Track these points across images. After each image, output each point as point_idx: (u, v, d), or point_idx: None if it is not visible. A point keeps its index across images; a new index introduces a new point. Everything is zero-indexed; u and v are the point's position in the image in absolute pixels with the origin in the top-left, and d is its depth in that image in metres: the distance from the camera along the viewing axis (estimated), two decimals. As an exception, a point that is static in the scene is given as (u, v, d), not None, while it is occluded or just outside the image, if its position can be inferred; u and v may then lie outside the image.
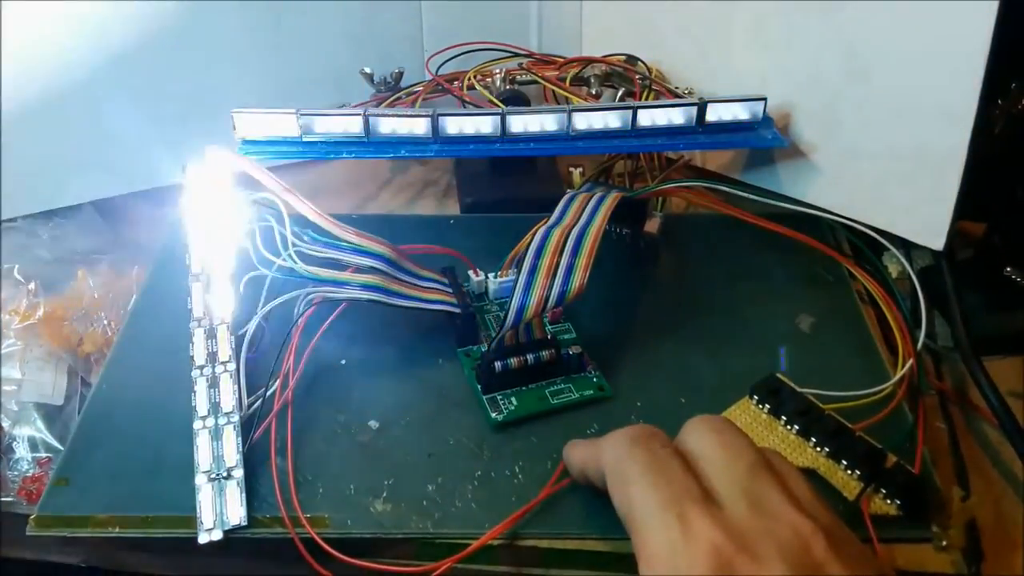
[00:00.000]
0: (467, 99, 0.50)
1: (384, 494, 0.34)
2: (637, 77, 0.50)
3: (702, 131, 0.45)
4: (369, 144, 0.45)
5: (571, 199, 0.43)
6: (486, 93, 0.49)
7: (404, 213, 0.52)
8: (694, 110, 0.45)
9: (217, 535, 0.32)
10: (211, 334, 0.37)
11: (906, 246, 0.44)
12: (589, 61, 0.52)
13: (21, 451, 0.39)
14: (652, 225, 0.47)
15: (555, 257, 0.38)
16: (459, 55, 0.52)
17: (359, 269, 0.38)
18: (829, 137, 0.46)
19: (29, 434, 0.40)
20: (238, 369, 0.36)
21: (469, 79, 0.51)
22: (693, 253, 0.48)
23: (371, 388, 0.39)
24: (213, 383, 0.36)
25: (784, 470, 0.27)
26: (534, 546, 0.33)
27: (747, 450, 0.27)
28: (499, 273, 0.43)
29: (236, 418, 0.35)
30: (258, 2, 0.50)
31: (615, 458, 0.28)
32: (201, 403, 0.35)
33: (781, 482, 0.26)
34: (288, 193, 0.40)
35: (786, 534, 0.24)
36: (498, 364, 0.37)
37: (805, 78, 0.46)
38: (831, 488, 0.34)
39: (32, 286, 0.45)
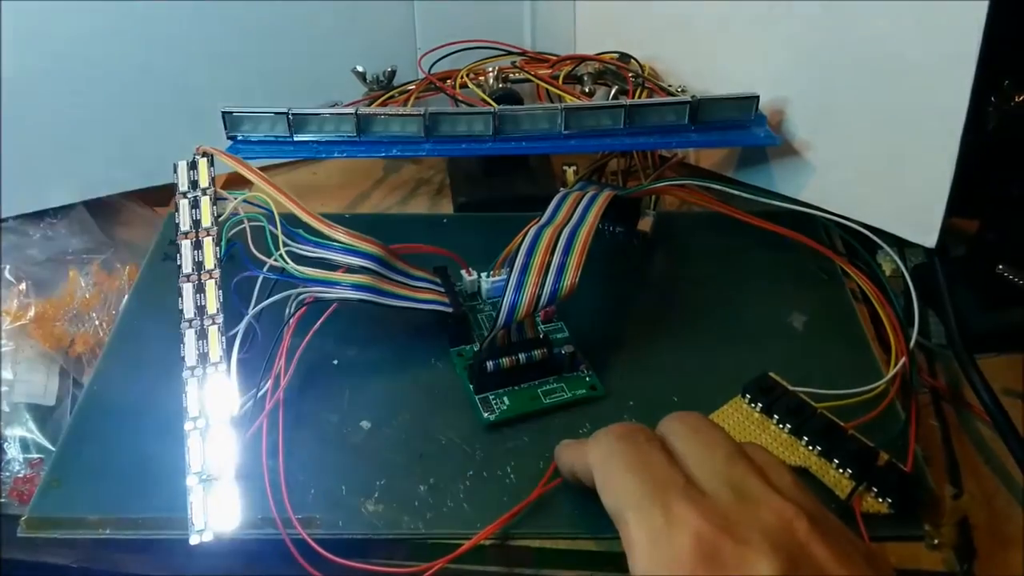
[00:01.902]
0: (460, 97, 0.50)
1: (376, 494, 0.34)
2: (630, 75, 0.50)
3: (695, 129, 0.45)
4: (361, 143, 0.45)
5: (564, 197, 0.43)
6: (479, 91, 0.49)
7: (397, 212, 0.52)
8: (687, 108, 0.45)
9: (208, 536, 0.32)
10: (202, 335, 0.37)
11: (899, 244, 0.44)
12: (582, 59, 0.52)
13: (12, 452, 0.39)
14: (645, 223, 0.47)
15: (547, 256, 0.38)
16: (452, 53, 0.52)
17: (351, 269, 0.38)
18: (822, 135, 0.46)
19: (20, 435, 0.40)
20: (229, 370, 0.36)
21: (462, 77, 0.50)
22: (686, 251, 0.48)
23: (363, 388, 0.39)
24: (204, 384, 0.36)
25: (762, 459, 0.28)
26: (526, 546, 0.33)
27: (723, 441, 0.28)
28: (491, 272, 0.43)
29: (227, 419, 0.35)
30: (249, 1, 0.49)
31: (601, 455, 0.29)
32: (192, 404, 0.35)
33: (760, 470, 0.27)
34: (279, 192, 0.40)
35: (769, 517, 0.25)
36: (490, 364, 0.37)
37: (797, 76, 0.46)
38: (823, 487, 0.34)
39: (23, 286, 0.45)
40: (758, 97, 0.45)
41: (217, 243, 0.40)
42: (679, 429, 0.29)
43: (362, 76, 0.51)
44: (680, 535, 0.24)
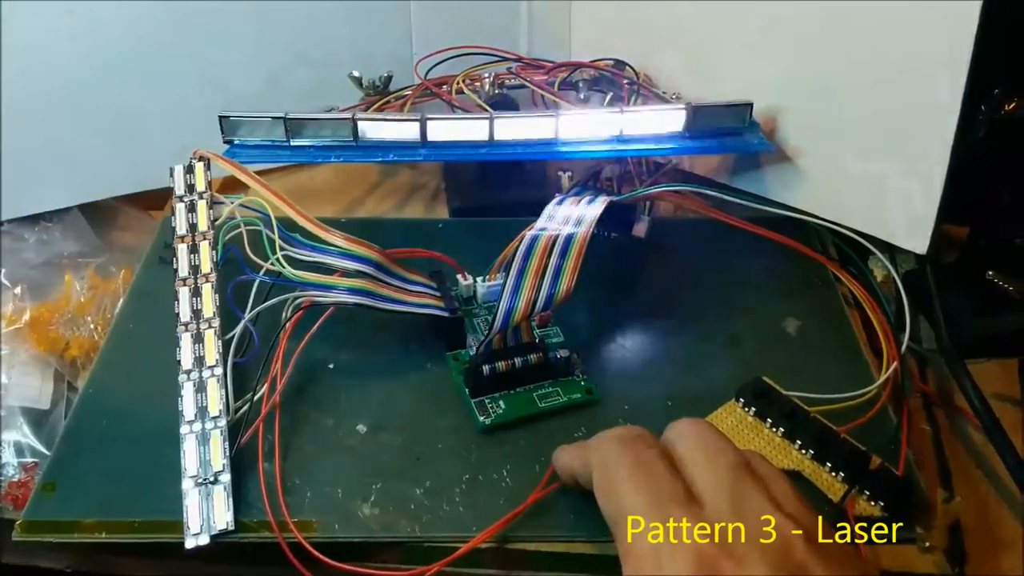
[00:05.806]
0: (456, 103, 0.50)
1: (372, 498, 0.34)
2: (625, 82, 0.50)
3: (689, 136, 0.46)
4: (357, 148, 0.45)
5: (559, 203, 0.43)
6: (475, 97, 0.49)
7: (392, 217, 0.52)
8: (681, 115, 0.45)
9: (204, 540, 0.32)
10: (198, 338, 0.37)
11: (891, 250, 0.44)
12: (577, 66, 0.52)
13: (7, 456, 0.39)
14: (640, 229, 0.47)
15: (543, 260, 0.38)
16: (448, 59, 0.52)
17: (347, 273, 0.38)
18: (815, 142, 0.46)
19: (15, 439, 0.40)
20: (225, 373, 0.36)
21: (458, 83, 0.51)
22: (680, 257, 0.48)
23: (359, 392, 0.39)
24: (200, 387, 0.36)
25: (765, 471, 0.28)
26: (522, 549, 0.33)
27: (728, 452, 0.28)
28: (487, 277, 0.43)
29: (223, 422, 0.35)
30: (245, 6, 0.50)
31: (602, 459, 0.29)
32: (188, 407, 0.35)
33: (762, 483, 0.27)
34: (276, 197, 0.40)
35: (768, 535, 0.25)
36: (486, 368, 0.37)
37: (790, 83, 0.46)
38: (816, 490, 0.34)
39: (18, 290, 0.45)
40: (752, 104, 0.45)
41: (213, 247, 0.40)
42: (685, 436, 0.28)
43: (358, 81, 0.51)
44: (679, 552, 0.24)
